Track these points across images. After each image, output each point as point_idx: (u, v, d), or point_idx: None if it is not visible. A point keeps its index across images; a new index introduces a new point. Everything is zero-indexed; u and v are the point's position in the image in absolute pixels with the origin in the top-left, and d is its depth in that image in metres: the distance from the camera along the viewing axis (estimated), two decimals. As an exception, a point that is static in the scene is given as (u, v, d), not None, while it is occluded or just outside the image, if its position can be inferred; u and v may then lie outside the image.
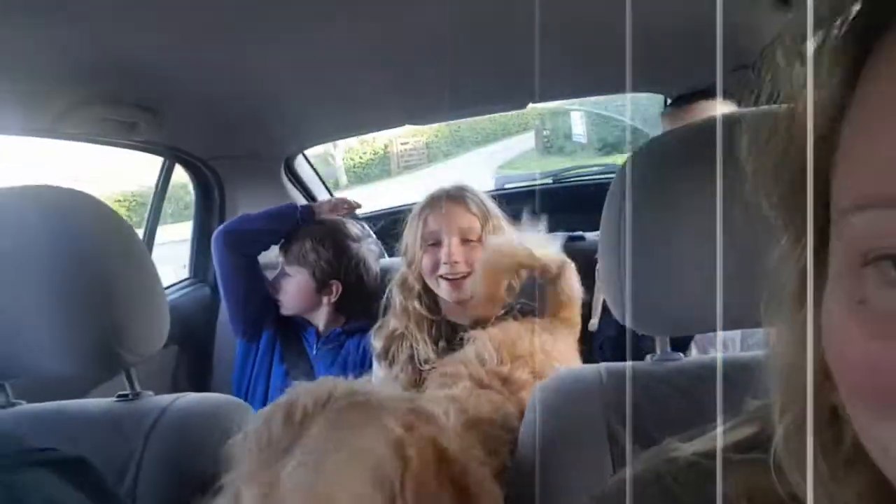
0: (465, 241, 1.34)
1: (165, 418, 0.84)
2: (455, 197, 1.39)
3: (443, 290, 1.31)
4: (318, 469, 0.54)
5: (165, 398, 0.89)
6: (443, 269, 1.32)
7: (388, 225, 1.78)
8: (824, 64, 0.28)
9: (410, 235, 1.42)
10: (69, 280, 0.78)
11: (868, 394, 0.27)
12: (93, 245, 0.80)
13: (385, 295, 1.41)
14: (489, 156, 11.59)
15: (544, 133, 11.44)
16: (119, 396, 0.90)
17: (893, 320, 0.26)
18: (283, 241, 1.68)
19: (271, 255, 1.73)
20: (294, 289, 1.64)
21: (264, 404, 1.56)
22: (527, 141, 11.80)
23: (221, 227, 1.64)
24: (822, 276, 0.31)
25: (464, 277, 1.32)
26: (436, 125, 9.86)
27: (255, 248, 1.66)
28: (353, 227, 1.71)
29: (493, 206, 1.42)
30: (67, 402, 0.90)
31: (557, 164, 9.58)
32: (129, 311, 0.82)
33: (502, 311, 1.31)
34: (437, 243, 1.35)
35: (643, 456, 0.43)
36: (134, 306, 0.83)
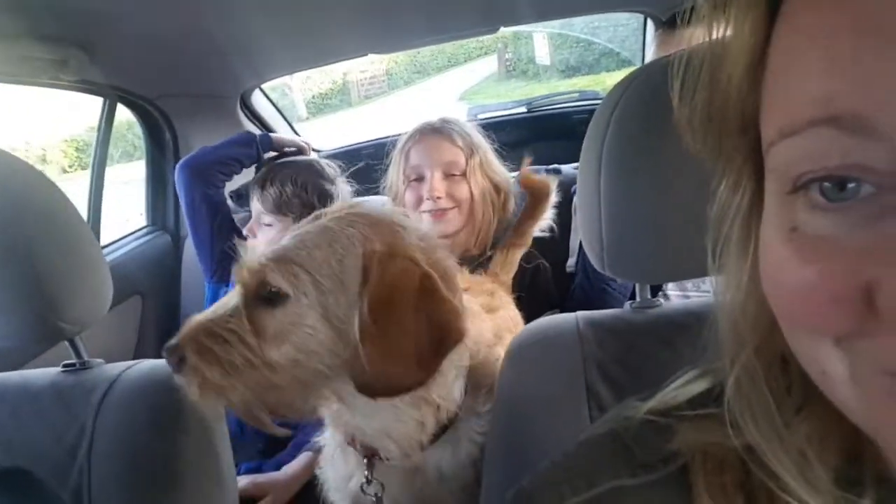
0: (448, 175, 1.29)
1: (117, 389, 0.78)
2: (438, 130, 1.33)
3: (426, 225, 1.27)
4: (294, 235, 0.71)
5: (116, 367, 0.82)
6: (426, 206, 1.27)
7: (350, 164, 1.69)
8: (742, 3, 0.29)
9: (394, 171, 1.37)
10: None
11: (804, 318, 0.28)
12: (15, 208, 0.72)
13: None
14: (452, 81, 11.26)
15: (507, 57, 11.11)
16: (65, 366, 0.83)
17: (823, 244, 0.27)
18: (257, 187, 1.54)
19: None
20: (274, 239, 1.54)
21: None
22: (489, 65, 11.46)
23: (181, 161, 1.55)
24: (761, 218, 0.31)
25: (447, 212, 1.27)
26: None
27: (219, 178, 1.57)
28: (328, 167, 1.61)
29: (479, 139, 1.36)
30: (8, 373, 0.84)
31: (521, 87, 9.41)
32: (64, 278, 0.75)
33: (489, 254, 1.27)
34: (419, 178, 1.30)
35: (605, 416, 0.45)
36: (69, 273, 0.75)
